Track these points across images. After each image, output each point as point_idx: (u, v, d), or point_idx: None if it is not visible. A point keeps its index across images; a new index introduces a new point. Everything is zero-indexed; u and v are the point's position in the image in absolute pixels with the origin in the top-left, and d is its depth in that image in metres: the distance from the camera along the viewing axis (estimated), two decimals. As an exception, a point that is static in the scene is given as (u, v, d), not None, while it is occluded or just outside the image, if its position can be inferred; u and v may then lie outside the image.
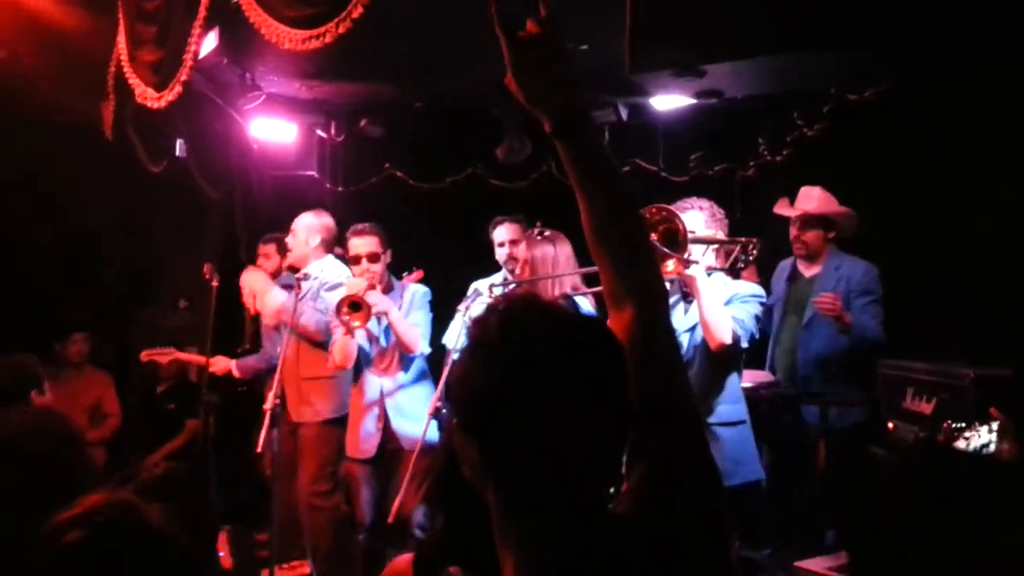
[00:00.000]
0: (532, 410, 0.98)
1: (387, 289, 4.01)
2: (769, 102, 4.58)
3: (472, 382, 1.02)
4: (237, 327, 5.47)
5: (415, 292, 4.03)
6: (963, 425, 2.00)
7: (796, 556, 3.15)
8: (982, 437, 1.97)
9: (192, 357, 4.96)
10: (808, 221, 4.06)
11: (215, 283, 4.72)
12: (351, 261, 3.96)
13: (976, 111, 3.87)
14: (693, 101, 4.31)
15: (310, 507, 4.14)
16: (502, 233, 4.39)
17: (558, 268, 3.47)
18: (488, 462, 1.01)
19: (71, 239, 6.02)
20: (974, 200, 3.96)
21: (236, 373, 4.77)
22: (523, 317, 1.03)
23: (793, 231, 4.09)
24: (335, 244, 4.48)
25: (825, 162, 4.59)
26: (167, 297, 6.38)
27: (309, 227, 4.37)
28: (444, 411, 3.36)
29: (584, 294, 3.49)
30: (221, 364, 4.80)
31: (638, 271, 1.19)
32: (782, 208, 4.12)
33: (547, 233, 3.57)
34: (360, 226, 3.98)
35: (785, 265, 4.25)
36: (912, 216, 4.20)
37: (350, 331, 3.76)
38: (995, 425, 2.02)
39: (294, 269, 4.50)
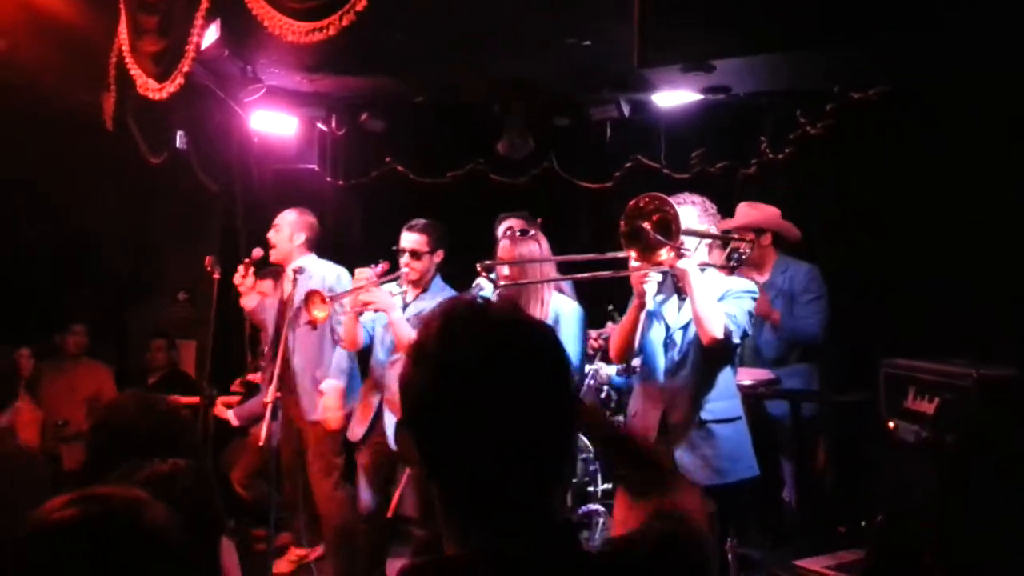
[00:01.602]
0: (465, 411, 1.01)
1: (425, 289, 3.96)
2: (772, 100, 4.58)
3: (411, 381, 1.05)
4: (237, 321, 5.47)
5: (444, 298, 3.96)
6: None
7: (794, 554, 3.15)
8: None
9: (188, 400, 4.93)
10: (741, 232, 4.22)
11: (216, 275, 4.70)
12: (399, 253, 3.94)
13: (978, 110, 3.86)
14: (697, 97, 4.33)
15: (327, 498, 4.21)
16: (504, 230, 4.36)
17: (544, 266, 3.47)
18: (427, 459, 1.04)
19: (71, 230, 6.01)
20: (976, 199, 3.95)
21: (235, 422, 4.74)
22: (461, 322, 1.05)
23: (732, 245, 4.22)
24: (318, 241, 4.45)
25: (827, 160, 4.58)
26: (167, 289, 6.38)
27: (293, 223, 4.32)
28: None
29: (568, 279, 3.49)
30: (220, 412, 4.81)
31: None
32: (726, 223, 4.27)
33: (531, 232, 3.56)
34: (414, 222, 3.95)
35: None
36: (914, 214, 4.20)
37: (357, 314, 3.81)
38: None
39: (269, 264, 4.48)
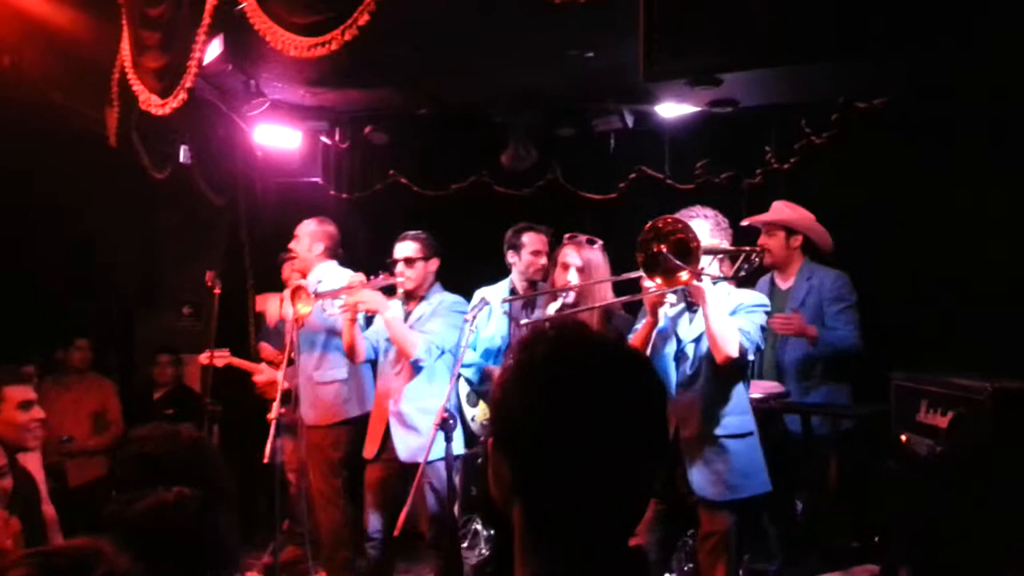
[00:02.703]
0: (569, 435, 1.00)
1: (423, 297, 3.96)
2: (777, 110, 4.55)
3: (512, 402, 1.05)
4: (241, 334, 5.45)
5: (442, 300, 3.95)
6: None
7: (807, 571, 3.11)
8: None
9: (245, 364, 4.94)
10: (771, 229, 4.13)
11: (217, 291, 4.69)
12: (392, 264, 3.95)
13: (983, 121, 3.85)
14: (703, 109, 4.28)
15: (319, 507, 4.20)
16: (532, 242, 4.22)
17: (603, 276, 3.45)
18: (519, 481, 1.04)
19: (75, 245, 6.01)
20: (981, 210, 3.93)
21: (287, 386, 4.76)
22: (570, 345, 1.06)
23: (761, 240, 4.11)
24: (338, 249, 4.46)
25: (832, 170, 4.55)
26: (171, 304, 6.36)
27: (312, 234, 4.38)
28: (451, 422, 3.31)
29: (619, 303, 3.46)
30: (267, 375, 4.79)
31: None
32: (748, 220, 4.14)
33: (597, 241, 3.53)
34: (406, 232, 4.01)
35: (764, 280, 4.25)
36: (919, 224, 4.17)
37: (353, 318, 3.79)
38: None
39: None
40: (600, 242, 3.52)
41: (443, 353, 3.86)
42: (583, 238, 3.52)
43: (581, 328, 1.11)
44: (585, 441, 1.00)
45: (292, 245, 4.41)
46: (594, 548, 1.02)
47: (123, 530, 1.26)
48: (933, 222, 4.11)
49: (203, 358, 4.88)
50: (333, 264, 4.37)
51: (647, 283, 2.91)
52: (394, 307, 3.83)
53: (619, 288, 3.42)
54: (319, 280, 4.26)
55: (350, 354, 3.94)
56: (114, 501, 1.45)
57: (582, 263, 3.45)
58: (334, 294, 3.91)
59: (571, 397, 1.01)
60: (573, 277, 3.44)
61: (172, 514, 1.42)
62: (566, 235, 3.69)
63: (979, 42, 2.27)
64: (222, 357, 4.91)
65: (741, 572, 3.27)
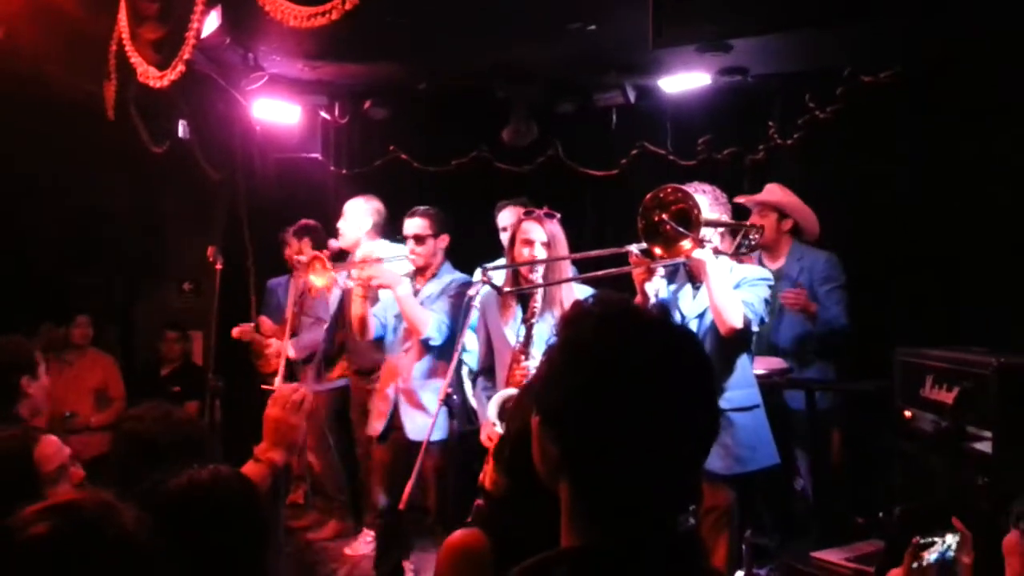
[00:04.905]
0: (617, 413, 1.00)
1: (433, 275, 3.91)
2: (781, 83, 4.50)
3: (561, 379, 1.04)
4: (242, 309, 5.44)
5: (452, 280, 3.88)
6: (932, 540, 1.95)
7: (810, 546, 3.11)
8: (945, 545, 1.94)
9: (268, 342, 4.99)
10: (763, 210, 4.14)
11: (219, 266, 4.67)
12: (404, 241, 3.90)
13: (988, 96, 3.81)
14: (706, 81, 4.24)
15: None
16: (506, 217, 4.28)
17: (566, 251, 3.39)
18: (567, 459, 1.03)
19: (74, 221, 5.97)
20: (989, 184, 3.90)
21: (295, 355, 4.75)
22: (619, 321, 1.05)
23: (752, 220, 4.11)
24: (387, 225, 4.41)
25: (836, 145, 4.51)
26: (171, 279, 6.35)
27: (358, 211, 4.34)
28: (455, 398, 3.30)
29: (583, 278, 3.42)
30: (281, 349, 4.80)
31: None
32: (741, 198, 4.12)
33: (557, 213, 3.45)
34: (416, 208, 3.93)
35: (753, 260, 4.24)
36: (924, 199, 4.14)
37: (365, 293, 3.75)
38: (957, 536, 1.96)
39: (343, 254, 4.43)
40: (558, 215, 3.45)
41: (452, 332, 3.81)
42: (541, 212, 3.40)
43: (626, 304, 1.10)
44: (633, 418, 0.99)
45: (340, 223, 4.36)
46: (642, 524, 1.01)
47: (160, 510, 1.25)
48: (938, 198, 4.07)
49: (235, 332, 4.94)
50: (384, 242, 4.28)
51: (635, 253, 2.89)
52: (405, 284, 3.80)
53: (607, 263, 3.34)
54: (371, 251, 4.19)
55: (359, 330, 3.88)
56: (147, 480, 1.41)
57: (547, 237, 3.32)
58: (349, 266, 3.86)
59: (619, 375, 1.00)
60: (540, 252, 3.32)
61: (211, 491, 1.38)
62: (523, 211, 3.58)
63: (983, 10, 2.24)
64: (250, 332, 4.96)
65: (743, 547, 3.28)
